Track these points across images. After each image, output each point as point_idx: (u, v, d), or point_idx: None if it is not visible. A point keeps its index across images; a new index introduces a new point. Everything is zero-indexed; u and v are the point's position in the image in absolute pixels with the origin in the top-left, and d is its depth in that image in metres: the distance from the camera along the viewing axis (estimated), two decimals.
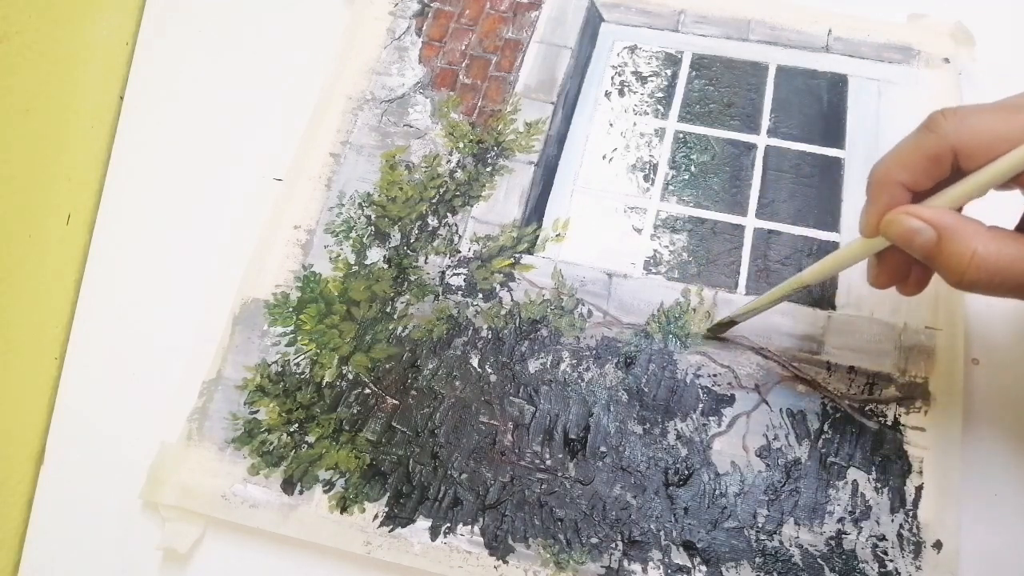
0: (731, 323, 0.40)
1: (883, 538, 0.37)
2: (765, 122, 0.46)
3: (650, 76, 0.48)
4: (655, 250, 0.43)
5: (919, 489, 0.37)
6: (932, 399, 0.39)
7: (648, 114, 0.47)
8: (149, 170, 0.48)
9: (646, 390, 0.40)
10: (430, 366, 0.41)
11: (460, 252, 0.44)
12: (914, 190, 0.31)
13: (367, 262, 0.44)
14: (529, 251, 0.44)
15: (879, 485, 0.38)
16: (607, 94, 0.48)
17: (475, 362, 0.41)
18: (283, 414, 0.40)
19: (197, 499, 0.39)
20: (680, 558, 0.37)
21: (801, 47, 0.48)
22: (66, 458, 0.42)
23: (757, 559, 0.37)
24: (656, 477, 0.38)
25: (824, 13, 0.48)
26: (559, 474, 0.39)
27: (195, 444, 0.40)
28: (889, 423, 0.39)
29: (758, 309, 0.39)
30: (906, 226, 0.30)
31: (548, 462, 0.39)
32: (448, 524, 0.38)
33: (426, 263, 0.44)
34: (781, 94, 0.47)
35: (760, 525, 0.37)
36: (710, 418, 0.39)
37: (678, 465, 0.39)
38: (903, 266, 0.34)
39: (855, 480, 0.38)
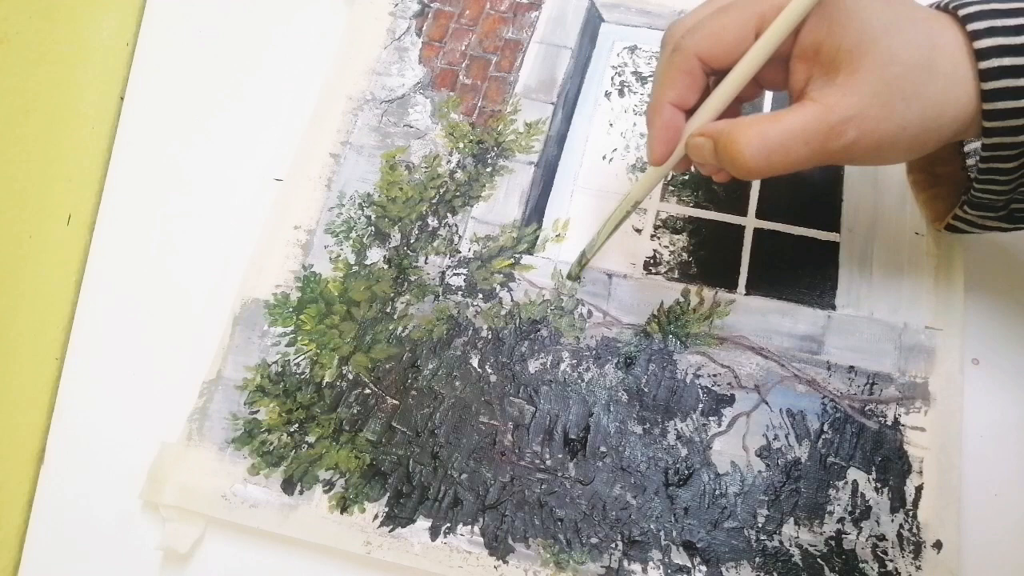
0: (586, 259, 0.42)
1: (883, 538, 0.37)
2: None
3: (650, 76, 0.48)
4: (655, 250, 0.43)
5: (919, 489, 0.37)
6: (932, 399, 0.39)
7: None
8: (149, 170, 0.48)
9: (646, 390, 0.40)
10: (430, 366, 0.41)
11: (460, 252, 0.44)
12: (685, 107, 0.34)
13: (367, 262, 0.44)
14: (529, 251, 0.44)
15: (879, 485, 0.38)
16: (607, 94, 0.48)
17: (475, 362, 0.41)
18: (283, 414, 0.40)
19: (197, 499, 0.39)
20: (680, 558, 0.37)
21: None
22: (66, 458, 0.42)
23: (757, 559, 0.37)
24: (656, 477, 0.38)
25: None
26: (559, 474, 0.39)
27: (195, 444, 0.40)
28: (889, 423, 0.39)
29: (604, 236, 0.40)
30: (692, 144, 0.34)
31: (548, 462, 0.39)
32: (448, 524, 0.38)
33: (426, 263, 0.44)
34: (781, 94, 0.47)
35: (760, 525, 0.37)
36: (710, 418, 0.39)
37: (678, 465, 0.38)
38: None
39: (855, 480, 0.38)
